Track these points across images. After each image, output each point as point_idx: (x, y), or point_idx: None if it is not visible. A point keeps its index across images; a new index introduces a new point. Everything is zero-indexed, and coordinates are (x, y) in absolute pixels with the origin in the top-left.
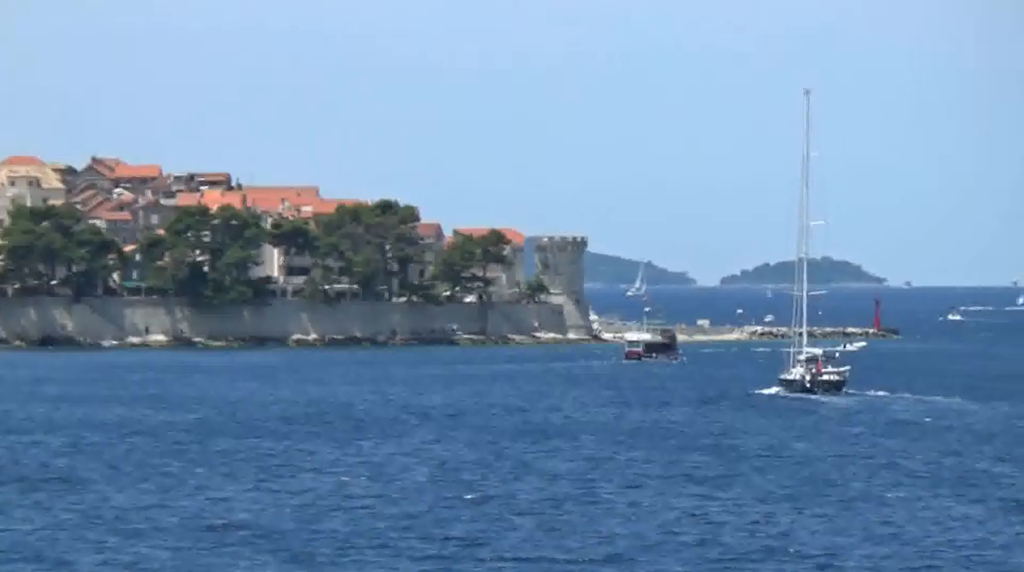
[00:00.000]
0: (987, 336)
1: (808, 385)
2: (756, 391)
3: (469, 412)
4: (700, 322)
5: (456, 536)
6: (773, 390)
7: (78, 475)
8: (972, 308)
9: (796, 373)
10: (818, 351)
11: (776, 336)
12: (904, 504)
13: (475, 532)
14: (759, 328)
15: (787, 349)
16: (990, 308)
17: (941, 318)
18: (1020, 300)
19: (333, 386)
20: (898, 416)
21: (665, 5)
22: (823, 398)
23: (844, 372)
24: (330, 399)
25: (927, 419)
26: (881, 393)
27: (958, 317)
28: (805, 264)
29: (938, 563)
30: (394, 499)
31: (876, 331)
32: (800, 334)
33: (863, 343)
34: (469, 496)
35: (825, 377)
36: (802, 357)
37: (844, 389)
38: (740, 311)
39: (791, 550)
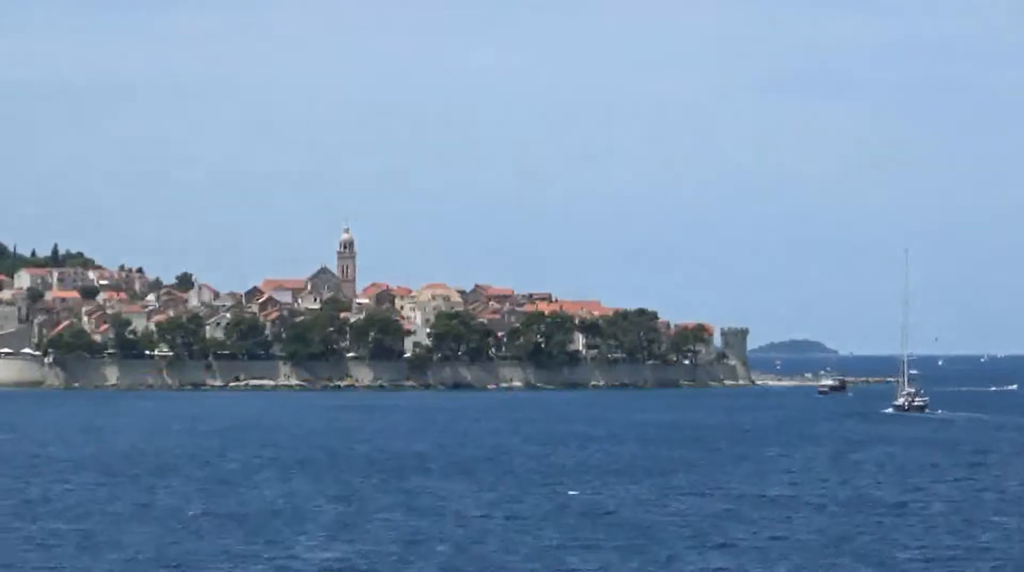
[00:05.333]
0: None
1: (906, 408)
2: (883, 411)
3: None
4: (807, 374)
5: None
6: (890, 410)
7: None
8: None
9: (901, 400)
10: (912, 389)
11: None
12: None
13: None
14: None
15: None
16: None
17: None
18: (982, 358)
19: (676, 413)
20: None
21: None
22: (935, 415)
23: (926, 401)
24: (703, 421)
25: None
26: (961, 413)
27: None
28: (908, 342)
29: None
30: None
31: None
32: (901, 380)
33: (1014, 386)
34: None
35: (917, 403)
36: (903, 392)
37: (927, 410)
38: (825, 370)
39: None
